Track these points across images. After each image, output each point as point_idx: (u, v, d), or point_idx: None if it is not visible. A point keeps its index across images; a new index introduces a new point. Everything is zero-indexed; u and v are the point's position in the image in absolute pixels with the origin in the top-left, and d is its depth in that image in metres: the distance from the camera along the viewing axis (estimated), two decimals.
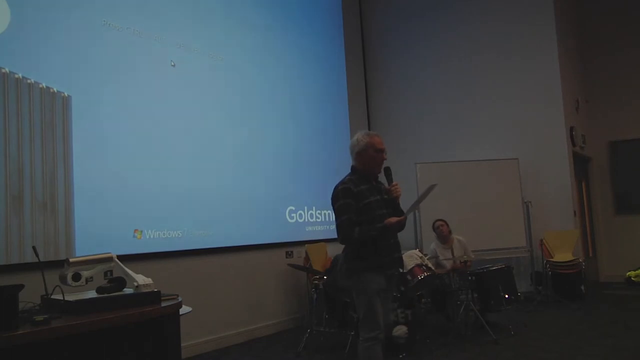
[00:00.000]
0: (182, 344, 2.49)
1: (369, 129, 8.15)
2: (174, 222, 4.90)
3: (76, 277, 2.30)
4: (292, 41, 6.71)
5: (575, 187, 7.45)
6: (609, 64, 8.43)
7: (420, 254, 5.01)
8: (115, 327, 2.07)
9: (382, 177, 3.22)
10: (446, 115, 7.82)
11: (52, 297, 2.18)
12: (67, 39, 4.23)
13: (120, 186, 4.49)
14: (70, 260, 2.33)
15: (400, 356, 4.35)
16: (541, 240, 6.82)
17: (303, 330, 5.03)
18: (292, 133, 6.45)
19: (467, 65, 7.70)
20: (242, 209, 5.59)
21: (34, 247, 2.37)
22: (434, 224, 5.76)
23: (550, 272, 6.58)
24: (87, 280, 2.34)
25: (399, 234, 3.15)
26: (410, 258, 4.82)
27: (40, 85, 4.01)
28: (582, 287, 6.58)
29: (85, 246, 4.07)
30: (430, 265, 4.91)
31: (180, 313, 2.39)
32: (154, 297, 2.28)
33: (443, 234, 5.65)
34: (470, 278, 5.12)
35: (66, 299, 2.12)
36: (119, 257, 2.44)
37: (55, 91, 4.11)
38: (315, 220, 6.64)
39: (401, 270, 3.26)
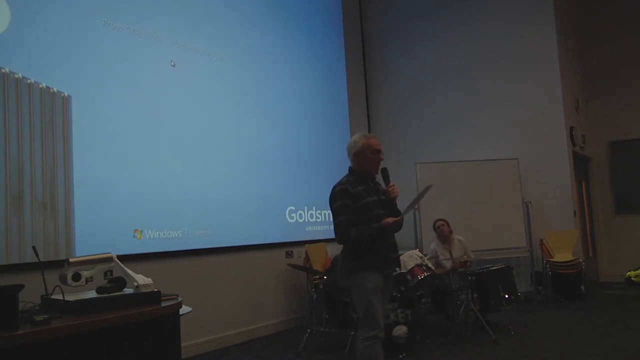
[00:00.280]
0: (182, 344, 2.49)
1: (369, 129, 8.22)
2: (174, 222, 4.90)
3: (76, 277, 2.30)
4: (292, 41, 6.71)
5: (575, 187, 7.45)
6: (609, 64, 8.43)
7: (420, 254, 5.00)
8: (115, 327, 2.07)
9: (379, 179, 3.23)
10: (446, 115, 7.82)
11: (52, 297, 2.18)
12: (67, 39, 4.23)
13: (120, 186, 4.49)
14: (70, 260, 2.33)
15: (400, 356, 4.35)
16: (541, 240, 6.82)
17: (303, 330, 5.03)
18: (292, 133, 6.45)
19: (467, 65, 7.70)
20: (242, 209, 5.59)
21: (34, 247, 2.37)
22: (434, 223, 5.76)
23: (550, 272, 6.58)
24: (87, 280, 2.34)
25: (399, 234, 3.17)
26: (410, 258, 4.82)
27: (40, 85, 4.01)
28: (582, 287, 6.59)
29: (85, 246, 4.07)
30: (430, 265, 4.91)
31: (180, 313, 2.39)
32: (154, 297, 2.28)
33: (444, 233, 5.65)
34: (470, 278, 5.12)
35: (66, 299, 2.12)
36: (119, 257, 2.44)
37: (55, 91, 4.11)
38: (315, 220, 6.64)
39: (398, 270, 3.28)
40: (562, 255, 6.59)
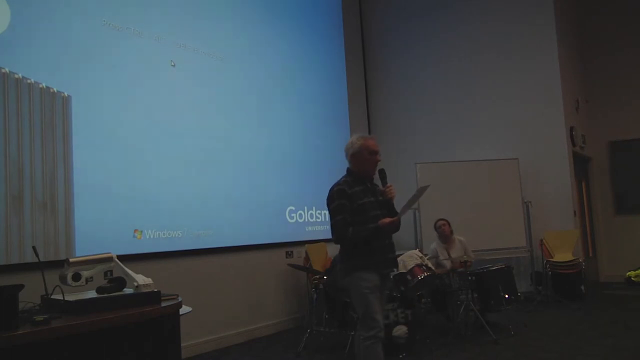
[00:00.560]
0: (182, 344, 2.49)
1: (369, 129, 8.22)
2: (174, 222, 4.90)
3: (76, 277, 2.30)
4: (292, 41, 6.71)
5: (575, 187, 7.45)
6: (609, 64, 8.43)
7: (420, 254, 5.00)
8: (115, 327, 2.07)
9: (377, 180, 3.24)
10: (446, 115, 7.82)
11: (52, 297, 2.18)
12: (67, 39, 4.23)
13: (120, 186, 4.49)
14: (70, 260, 2.33)
15: (400, 356, 4.35)
16: (541, 240, 6.82)
17: (303, 330, 5.03)
18: (292, 133, 6.45)
19: (467, 65, 7.70)
20: (242, 209, 5.59)
21: (34, 247, 2.37)
22: (436, 223, 5.75)
23: (550, 272, 6.58)
24: (87, 280, 2.34)
25: (400, 234, 3.18)
26: (410, 258, 4.82)
27: (40, 85, 4.01)
28: (582, 287, 6.59)
29: (85, 246, 4.07)
30: (430, 265, 4.91)
31: (180, 313, 2.39)
32: (154, 297, 2.28)
33: (445, 233, 5.64)
34: (470, 278, 5.12)
35: (66, 299, 2.12)
36: (119, 257, 2.44)
37: (55, 91, 4.11)
38: (315, 220, 6.64)
39: (396, 271, 3.31)
40: (562, 255, 6.59)
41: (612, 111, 8.41)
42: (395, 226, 3.04)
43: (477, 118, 7.57)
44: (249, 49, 5.99)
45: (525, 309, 6.11)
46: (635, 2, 8.27)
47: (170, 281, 4.17)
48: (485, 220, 6.69)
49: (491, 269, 5.28)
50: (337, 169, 3.35)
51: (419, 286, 4.71)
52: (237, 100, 5.76)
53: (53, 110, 4.08)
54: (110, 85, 4.52)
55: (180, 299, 2.43)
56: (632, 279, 7.76)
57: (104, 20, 4.54)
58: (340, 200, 3.05)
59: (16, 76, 3.86)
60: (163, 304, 2.29)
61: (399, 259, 4.70)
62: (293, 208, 6.34)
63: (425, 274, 4.66)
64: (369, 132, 8.16)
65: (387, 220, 3.00)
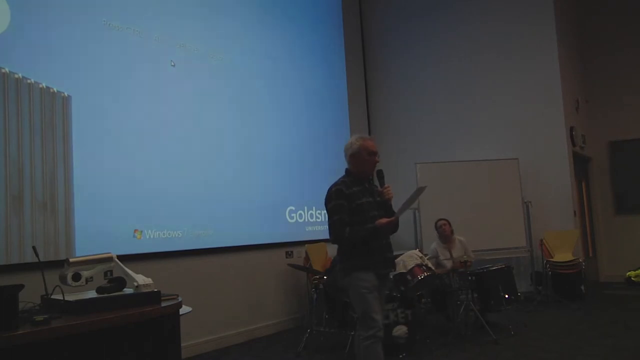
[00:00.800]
0: (182, 344, 2.49)
1: (369, 129, 8.22)
2: (174, 222, 4.90)
3: (76, 277, 2.30)
4: (292, 41, 6.71)
5: (575, 187, 7.45)
6: (609, 64, 8.43)
7: (420, 254, 5.00)
8: (115, 327, 2.07)
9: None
10: (446, 115, 7.82)
11: (52, 297, 2.18)
12: (67, 38, 4.23)
13: (120, 186, 4.49)
14: (70, 260, 2.33)
15: (400, 356, 4.35)
16: (541, 240, 6.82)
17: (303, 330, 5.03)
18: (291, 133, 6.45)
19: (467, 65, 7.70)
20: (242, 209, 5.59)
21: (34, 247, 2.37)
22: (436, 223, 5.75)
23: (550, 272, 6.58)
24: (87, 280, 2.34)
25: (400, 234, 3.19)
26: (410, 258, 4.81)
27: (40, 85, 4.01)
28: (582, 287, 6.59)
29: (85, 246, 4.07)
30: (430, 265, 4.91)
31: (180, 313, 2.39)
32: (154, 297, 2.28)
33: (445, 233, 5.64)
34: (470, 278, 5.12)
35: (66, 299, 2.12)
36: (119, 257, 2.44)
37: (55, 91, 4.11)
38: (315, 220, 6.64)
39: (394, 271, 3.33)
40: (562, 255, 6.59)
41: (612, 111, 8.41)
42: (393, 227, 3.06)
43: (477, 118, 7.57)
44: (249, 49, 5.99)
45: (525, 309, 6.11)
46: (635, 2, 8.27)
47: (170, 281, 4.17)
48: (485, 220, 6.69)
49: (491, 269, 5.28)
50: (337, 169, 3.35)
51: (419, 286, 4.71)
52: (237, 100, 5.76)
53: (53, 110, 4.08)
54: (110, 85, 4.52)
55: (180, 299, 2.43)
56: (632, 279, 7.76)
57: (104, 20, 4.54)
58: (337, 201, 3.07)
59: (16, 76, 3.86)
60: (163, 304, 2.29)
61: (399, 259, 4.71)
62: (293, 208, 6.33)
63: (425, 274, 4.66)
64: (369, 132, 8.16)
65: (384, 220, 3.01)
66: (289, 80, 6.54)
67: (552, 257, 6.64)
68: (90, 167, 4.27)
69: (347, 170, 3.26)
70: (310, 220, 6.57)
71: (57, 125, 4.10)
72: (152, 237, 4.70)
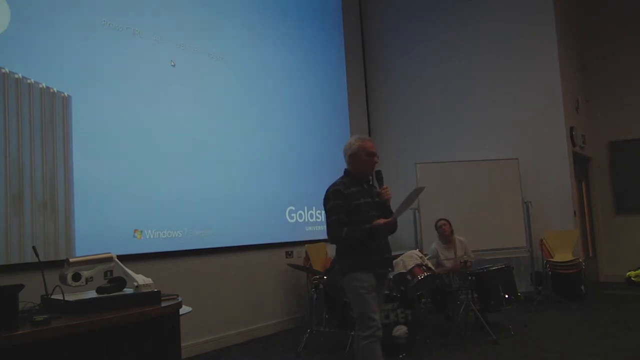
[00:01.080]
0: (182, 344, 2.50)
1: (369, 129, 8.22)
2: (174, 222, 4.90)
3: (76, 277, 2.30)
4: (292, 41, 6.71)
5: (575, 187, 7.45)
6: (609, 64, 8.43)
7: (420, 254, 5.00)
8: (115, 327, 2.07)
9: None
10: (446, 115, 7.82)
11: (52, 297, 2.18)
12: (67, 38, 4.23)
13: (120, 186, 4.49)
14: (70, 260, 2.33)
15: (400, 356, 4.35)
16: (541, 240, 6.82)
17: (303, 330, 5.03)
18: (292, 133, 6.45)
19: (467, 65, 7.70)
20: (242, 209, 5.59)
21: (34, 247, 2.37)
22: (436, 223, 5.75)
23: (550, 272, 6.58)
24: (87, 280, 2.34)
25: (400, 234, 3.19)
26: (410, 258, 4.81)
27: (40, 85, 4.01)
28: (582, 287, 6.59)
29: (85, 246, 4.07)
30: (430, 265, 4.91)
31: (180, 313, 2.39)
32: (154, 297, 2.28)
33: (445, 233, 5.64)
34: (470, 278, 5.12)
35: (66, 299, 2.12)
36: (119, 257, 2.44)
37: (55, 91, 4.11)
38: (315, 220, 6.64)
39: (391, 271, 3.34)
40: (562, 255, 6.59)
41: (612, 111, 8.41)
42: (391, 227, 3.06)
43: (477, 118, 7.57)
44: (249, 49, 5.99)
45: (525, 309, 6.11)
46: (635, 2, 8.27)
47: (170, 281, 4.17)
48: (485, 220, 6.69)
49: (491, 269, 5.28)
50: (337, 169, 3.35)
51: (419, 286, 4.71)
52: (237, 100, 5.76)
53: (53, 110, 4.08)
54: (110, 85, 4.52)
55: (180, 299, 2.43)
56: (632, 279, 7.76)
57: (104, 20, 4.54)
58: (335, 201, 3.08)
59: (16, 76, 3.86)
60: (163, 304, 2.29)
61: (398, 259, 4.71)
62: (293, 208, 6.33)
63: (425, 274, 4.66)
64: (369, 132, 8.17)
65: (382, 221, 3.01)
66: (289, 80, 6.54)
67: (552, 257, 6.64)
68: (90, 167, 4.27)
69: (346, 171, 3.27)
70: (310, 220, 6.57)
71: (57, 125, 4.10)
72: (152, 237, 4.70)
